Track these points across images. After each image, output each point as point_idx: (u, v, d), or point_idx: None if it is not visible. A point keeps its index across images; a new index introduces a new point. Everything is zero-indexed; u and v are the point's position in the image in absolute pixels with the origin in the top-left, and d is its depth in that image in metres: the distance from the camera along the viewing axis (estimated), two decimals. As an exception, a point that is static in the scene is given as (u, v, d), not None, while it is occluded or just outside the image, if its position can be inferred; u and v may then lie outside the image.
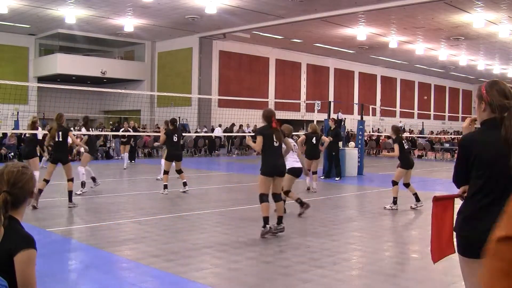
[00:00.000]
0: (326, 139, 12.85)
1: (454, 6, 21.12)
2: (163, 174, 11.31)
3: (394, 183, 9.49)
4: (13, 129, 20.85)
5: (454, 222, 2.88)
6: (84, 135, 11.57)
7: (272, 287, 4.88)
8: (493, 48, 31.27)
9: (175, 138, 11.18)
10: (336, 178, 14.69)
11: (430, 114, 42.90)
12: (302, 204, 8.44)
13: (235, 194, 11.61)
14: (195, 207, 9.83)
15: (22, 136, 18.36)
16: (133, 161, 21.04)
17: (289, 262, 5.66)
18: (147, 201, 10.38)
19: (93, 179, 11.42)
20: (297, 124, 34.40)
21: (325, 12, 22.87)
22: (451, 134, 34.39)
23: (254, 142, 7.09)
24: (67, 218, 8.42)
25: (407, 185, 9.55)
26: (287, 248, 6.32)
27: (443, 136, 32.60)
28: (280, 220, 6.96)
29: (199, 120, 27.69)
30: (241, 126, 28.23)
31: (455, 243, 2.90)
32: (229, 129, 26.77)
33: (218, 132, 26.27)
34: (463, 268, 2.79)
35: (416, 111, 42.86)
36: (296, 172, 8.17)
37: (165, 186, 10.85)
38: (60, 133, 9.08)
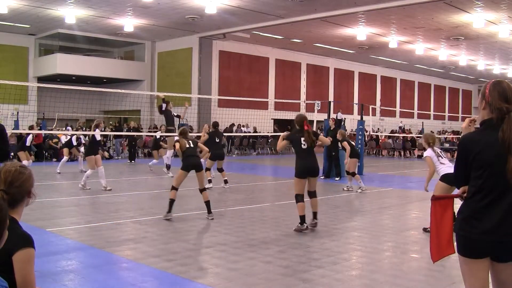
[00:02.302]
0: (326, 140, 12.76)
1: (454, 6, 21.11)
2: (206, 171, 11.55)
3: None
4: (13, 129, 20.85)
5: (454, 223, 2.88)
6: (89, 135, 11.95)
7: (272, 287, 4.88)
8: (493, 48, 31.26)
9: (217, 139, 12.29)
10: (336, 178, 14.69)
11: (430, 114, 42.89)
12: None
13: (235, 194, 11.61)
14: (195, 207, 9.83)
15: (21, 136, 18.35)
16: (133, 161, 21.06)
17: (289, 262, 5.66)
18: (147, 201, 10.38)
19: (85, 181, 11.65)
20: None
21: (325, 12, 22.86)
22: (449, 133, 34.38)
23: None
24: (67, 218, 8.42)
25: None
26: (287, 248, 6.32)
27: (444, 136, 32.60)
28: (315, 215, 7.53)
29: (199, 120, 27.68)
30: (239, 126, 28.24)
31: (455, 242, 2.90)
32: (229, 129, 26.78)
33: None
34: (463, 268, 2.79)
35: (416, 111, 42.85)
36: None
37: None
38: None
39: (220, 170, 12.45)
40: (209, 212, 8.26)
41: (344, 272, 5.41)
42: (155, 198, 10.89)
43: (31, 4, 22.37)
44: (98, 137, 12.24)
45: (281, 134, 8.39)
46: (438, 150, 7.70)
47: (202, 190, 8.32)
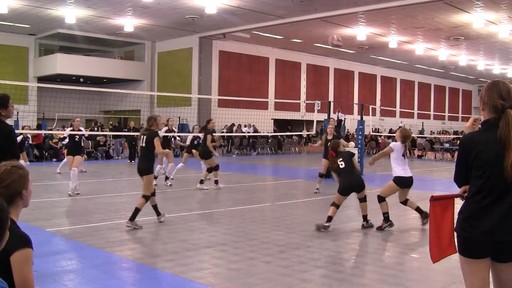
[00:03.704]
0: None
1: (454, 6, 21.12)
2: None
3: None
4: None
5: (455, 222, 2.87)
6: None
7: (272, 287, 4.88)
8: (493, 48, 31.26)
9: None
10: (336, 178, 14.67)
11: (430, 114, 42.89)
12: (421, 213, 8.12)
13: (235, 194, 11.61)
14: (195, 207, 9.83)
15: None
16: (133, 161, 21.06)
17: (289, 262, 5.66)
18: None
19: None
20: (297, 124, 34.51)
21: (325, 12, 22.87)
22: (450, 134, 34.37)
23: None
24: (67, 218, 8.42)
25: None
26: (287, 248, 6.32)
27: (444, 136, 32.60)
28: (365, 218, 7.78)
29: (199, 120, 27.67)
30: (239, 126, 28.23)
31: (456, 242, 2.89)
32: (228, 129, 26.77)
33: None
34: (463, 268, 2.79)
35: (416, 111, 42.86)
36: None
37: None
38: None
39: (210, 170, 12.03)
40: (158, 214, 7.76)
41: (344, 272, 5.41)
42: (155, 198, 10.87)
43: (31, 4, 22.37)
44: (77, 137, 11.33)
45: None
46: (407, 153, 7.82)
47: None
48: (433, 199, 3.00)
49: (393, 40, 28.54)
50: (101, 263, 5.67)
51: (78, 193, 10.55)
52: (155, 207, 7.75)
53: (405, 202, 7.85)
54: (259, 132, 26.97)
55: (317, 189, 11.67)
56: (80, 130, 11.50)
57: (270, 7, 22.18)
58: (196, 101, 27.18)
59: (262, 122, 27.02)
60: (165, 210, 8.24)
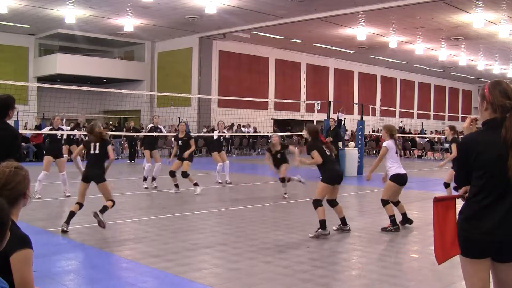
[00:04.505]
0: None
1: (454, 6, 21.11)
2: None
3: (446, 185, 9.51)
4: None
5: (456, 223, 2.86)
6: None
7: (272, 287, 4.88)
8: (493, 48, 31.26)
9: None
10: (336, 178, 14.66)
11: (430, 114, 42.89)
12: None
13: (235, 194, 11.61)
14: (195, 207, 9.83)
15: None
16: (133, 161, 21.07)
17: (289, 262, 5.65)
18: (147, 201, 10.37)
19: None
20: (297, 124, 34.49)
21: (325, 12, 22.87)
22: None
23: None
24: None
25: (446, 185, 9.56)
26: (287, 248, 6.32)
27: (444, 136, 32.57)
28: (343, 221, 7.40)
29: (199, 120, 27.68)
30: (239, 126, 28.23)
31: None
32: (229, 129, 26.77)
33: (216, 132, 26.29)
34: (463, 268, 2.79)
35: (416, 111, 42.85)
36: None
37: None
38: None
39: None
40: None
41: (344, 272, 5.41)
42: (155, 198, 10.88)
43: (31, 4, 22.37)
44: (58, 135, 10.70)
45: (301, 160, 7.73)
46: (399, 147, 7.78)
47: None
48: (436, 200, 2.99)
49: (393, 40, 28.54)
50: (101, 263, 5.67)
51: (69, 195, 10.15)
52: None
53: (396, 203, 7.74)
54: (259, 132, 26.96)
55: (285, 193, 10.82)
56: (62, 130, 10.79)
57: (270, 7, 22.18)
58: (196, 101, 27.18)
59: (262, 122, 27.01)
60: (165, 210, 8.24)
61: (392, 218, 7.48)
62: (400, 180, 7.51)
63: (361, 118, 18.08)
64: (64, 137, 10.93)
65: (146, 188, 11.95)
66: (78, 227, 7.57)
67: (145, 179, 12.14)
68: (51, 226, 7.44)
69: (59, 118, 11.05)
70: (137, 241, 6.67)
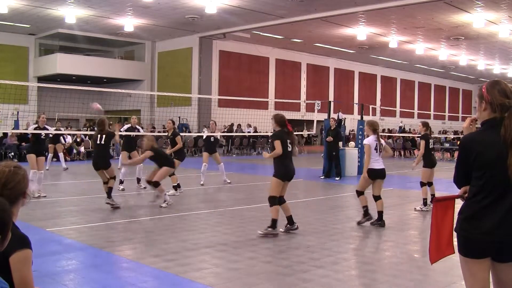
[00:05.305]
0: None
1: (454, 6, 21.11)
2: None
3: (422, 184, 9.50)
4: (13, 128, 20.85)
5: (455, 223, 2.87)
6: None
7: (272, 287, 4.88)
8: (493, 48, 31.26)
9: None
10: (336, 178, 14.68)
11: (430, 114, 42.89)
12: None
13: (235, 194, 11.60)
14: (195, 207, 9.83)
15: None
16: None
17: (289, 262, 5.65)
18: (146, 201, 10.36)
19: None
20: (297, 124, 34.47)
21: (325, 12, 22.87)
22: (449, 134, 34.35)
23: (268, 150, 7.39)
24: (67, 218, 8.41)
25: (430, 184, 9.54)
26: (287, 248, 6.32)
27: (444, 136, 32.58)
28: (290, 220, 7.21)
29: (199, 120, 27.67)
30: (239, 125, 28.21)
31: (455, 243, 2.89)
32: (228, 129, 26.77)
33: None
34: (463, 268, 2.79)
35: (416, 111, 42.86)
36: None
37: None
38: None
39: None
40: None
41: (344, 272, 5.41)
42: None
43: (31, 4, 22.37)
44: (42, 135, 10.69)
45: (264, 152, 7.65)
46: (382, 141, 7.91)
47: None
48: (436, 201, 3.00)
49: (393, 40, 28.54)
50: (101, 263, 5.67)
51: (44, 196, 10.09)
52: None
53: (377, 198, 7.82)
54: (259, 132, 26.96)
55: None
56: (46, 129, 10.75)
57: (270, 7, 22.18)
58: (196, 101, 27.18)
59: (262, 122, 27.01)
60: (165, 210, 8.24)
61: (365, 209, 7.76)
62: (372, 174, 7.69)
63: (361, 118, 18.07)
64: (50, 135, 10.97)
65: (145, 188, 11.94)
66: (78, 227, 7.58)
67: (121, 182, 11.65)
68: (51, 226, 7.44)
69: (45, 117, 10.96)
70: (137, 241, 6.67)
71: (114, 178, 9.23)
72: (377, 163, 7.69)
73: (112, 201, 9.00)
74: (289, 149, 7.09)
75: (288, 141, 7.10)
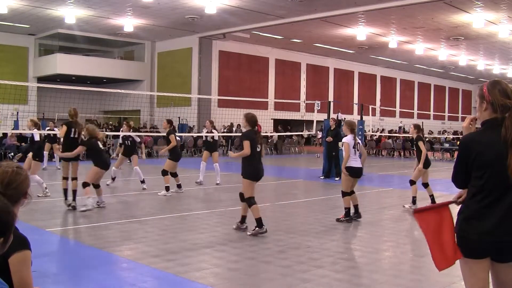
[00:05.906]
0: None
1: (454, 6, 21.12)
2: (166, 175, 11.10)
3: (412, 182, 9.59)
4: (13, 129, 20.86)
5: (455, 224, 2.83)
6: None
7: (272, 287, 4.88)
8: (493, 48, 31.27)
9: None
10: (336, 178, 14.67)
11: (430, 114, 42.91)
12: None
13: (235, 194, 11.58)
14: (195, 207, 9.83)
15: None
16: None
17: (289, 262, 5.66)
18: (147, 201, 10.37)
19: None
20: (297, 124, 34.51)
21: (325, 12, 22.88)
22: (449, 134, 34.37)
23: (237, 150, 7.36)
24: (67, 218, 8.41)
25: (425, 185, 9.68)
26: (287, 248, 6.32)
27: (444, 136, 32.59)
28: (243, 219, 7.31)
29: (198, 120, 27.68)
30: (239, 126, 28.21)
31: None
32: (228, 129, 26.78)
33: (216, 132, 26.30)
34: (463, 268, 2.78)
35: (416, 111, 42.87)
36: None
37: None
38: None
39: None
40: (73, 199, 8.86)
41: (344, 272, 5.41)
42: (155, 198, 10.87)
43: (31, 4, 22.37)
44: (37, 137, 10.88)
45: (230, 152, 7.82)
46: (358, 141, 8.17)
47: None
48: (416, 212, 2.97)
49: (393, 40, 28.55)
50: (100, 263, 5.67)
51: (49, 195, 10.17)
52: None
53: (351, 193, 8.14)
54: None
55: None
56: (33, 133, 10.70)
57: (270, 7, 22.18)
58: (196, 101, 27.19)
59: (262, 122, 27.02)
60: (165, 210, 8.23)
61: (346, 210, 8.06)
62: (351, 172, 7.98)
63: (361, 118, 18.08)
64: (45, 134, 11.12)
65: (144, 189, 11.93)
66: (78, 227, 7.58)
67: (113, 179, 12.48)
68: (51, 226, 7.44)
69: (31, 120, 10.97)
70: (137, 241, 6.67)
71: (76, 179, 8.97)
72: (355, 162, 7.99)
73: (75, 203, 8.80)
74: (258, 150, 7.09)
75: (258, 139, 7.11)
